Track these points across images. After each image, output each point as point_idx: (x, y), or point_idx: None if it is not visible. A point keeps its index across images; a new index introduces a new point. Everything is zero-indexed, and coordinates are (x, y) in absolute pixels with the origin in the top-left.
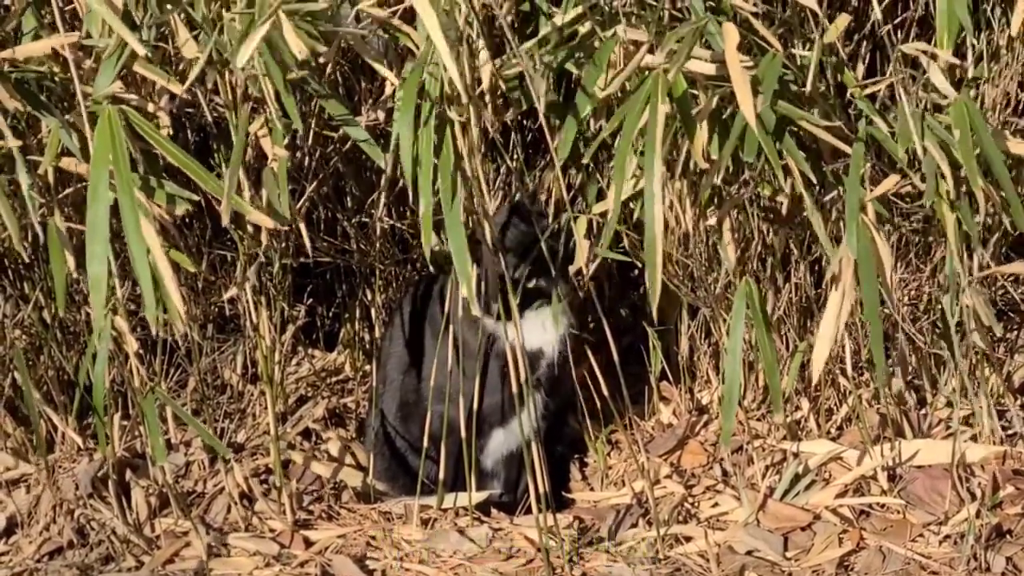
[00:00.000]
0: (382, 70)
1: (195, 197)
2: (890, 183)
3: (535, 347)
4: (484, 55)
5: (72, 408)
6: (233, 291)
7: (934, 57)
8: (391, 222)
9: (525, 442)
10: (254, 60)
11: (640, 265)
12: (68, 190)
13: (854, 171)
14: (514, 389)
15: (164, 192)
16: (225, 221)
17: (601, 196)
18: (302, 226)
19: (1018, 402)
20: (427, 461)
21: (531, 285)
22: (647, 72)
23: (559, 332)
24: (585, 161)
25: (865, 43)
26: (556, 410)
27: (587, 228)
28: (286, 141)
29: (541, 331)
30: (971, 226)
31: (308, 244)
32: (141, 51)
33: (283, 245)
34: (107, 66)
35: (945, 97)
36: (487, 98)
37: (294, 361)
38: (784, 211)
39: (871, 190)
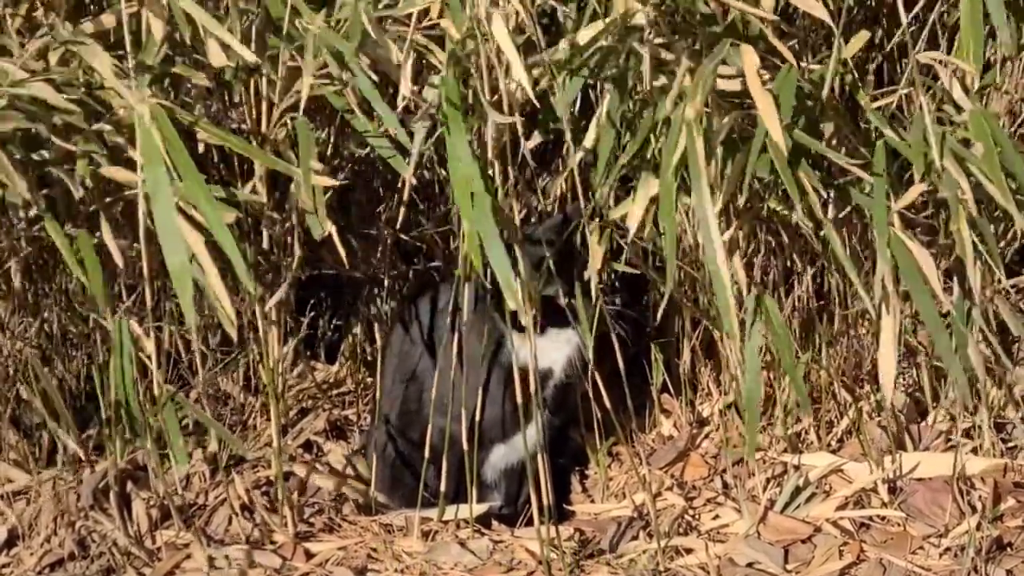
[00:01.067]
0: (406, 86)
1: (252, 198)
2: (914, 193)
3: (544, 367)
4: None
5: (65, 418)
6: (272, 300)
7: (949, 67)
8: (397, 234)
9: (529, 455)
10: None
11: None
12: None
13: (879, 190)
14: (519, 403)
15: (210, 197)
16: (322, 231)
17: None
18: (335, 237)
19: (1019, 414)
20: (428, 473)
21: (561, 302)
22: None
23: (568, 353)
24: (611, 184)
25: (873, 53)
26: (560, 425)
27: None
28: None
29: (552, 351)
30: (993, 247)
31: (342, 254)
32: (252, 57)
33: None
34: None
35: (960, 109)
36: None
37: (295, 373)
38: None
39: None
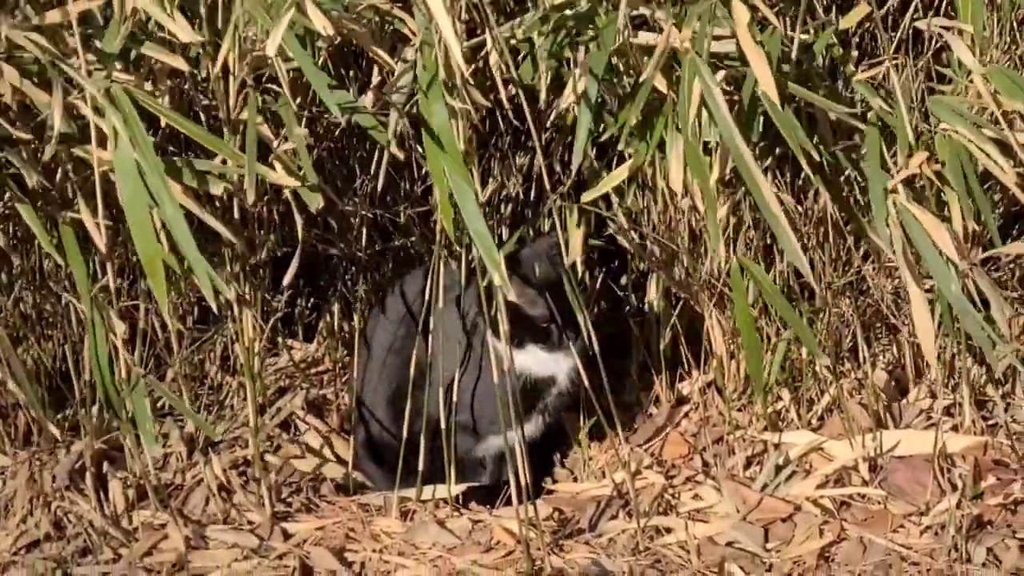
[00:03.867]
0: (383, 56)
1: (228, 170)
2: (917, 161)
3: (546, 374)
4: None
5: (41, 399)
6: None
7: (960, 33)
8: (374, 211)
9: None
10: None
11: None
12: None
13: (873, 152)
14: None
15: (189, 173)
16: (250, 199)
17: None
18: (297, 214)
19: (999, 392)
20: (413, 454)
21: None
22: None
23: (572, 362)
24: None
25: (873, 26)
26: (555, 421)
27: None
28: None
29: (552, 362)
30: (990, 219)
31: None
32: (192, 37)
33: (266, 235)
34: (107, 43)
35: (959, 71)
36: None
37: (273, 352)
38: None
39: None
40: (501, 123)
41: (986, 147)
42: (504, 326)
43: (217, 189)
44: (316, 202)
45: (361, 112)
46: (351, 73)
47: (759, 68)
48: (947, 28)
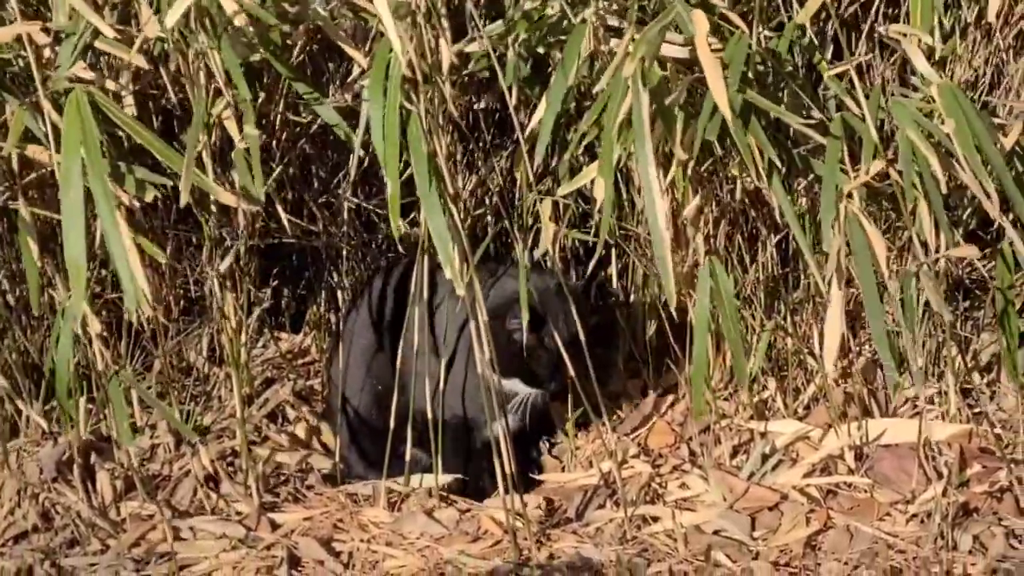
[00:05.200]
0: (351, 51)
1: (165, 181)
2: (873, 170)
3: (525, 393)
4: (444, 36)
5: (28, 390)
6: (210, 272)
7: (907, 37)
8: (357, 202)
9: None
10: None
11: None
12: (32, 175)
13: (831, 160)
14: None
15: (133, 178)
16: (184, 199)
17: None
18: (278, 205)
19: (984, 380)
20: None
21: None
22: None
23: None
24: (571, 155)
25: (833, 23)
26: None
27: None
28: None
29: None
30: (942, 218)
31: (285, 221)
32: (109, 32)
33: (250, 226)
34: (67, 46)
35: (924, 79)
36: (444, 78)
37: (260, 343)
38: (746, 188)
39: (856, 174)
40: (482, 119)
41: (929, 155)
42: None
43: (149, 197)
44: (259, 202)
45: (316, 104)
46: (333, 68)
47: (713, 80)
48: (904, 34)
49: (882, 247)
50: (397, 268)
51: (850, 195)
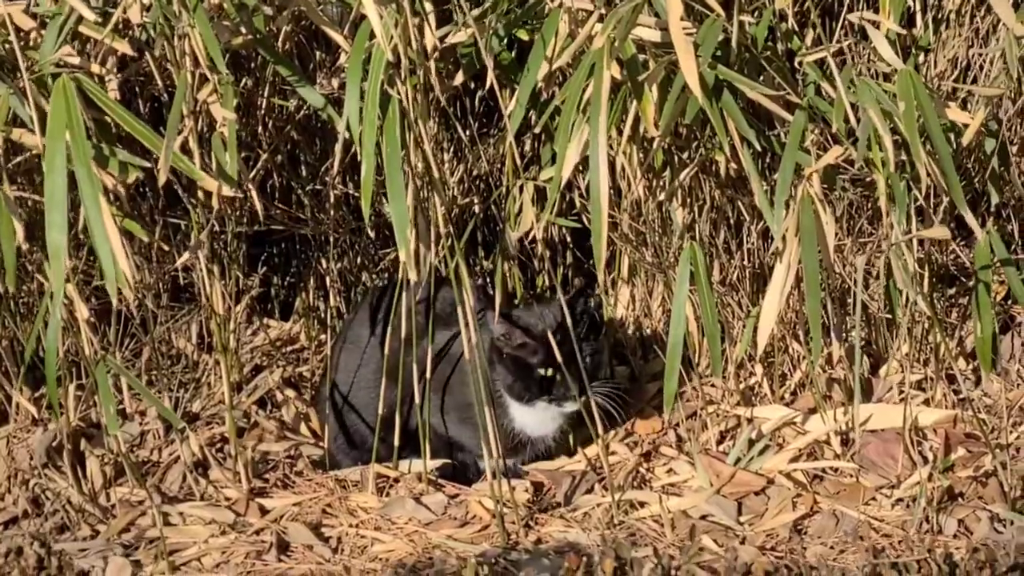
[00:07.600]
0: (335, 36)
1: (146, 164)
2: (832, 155)
3: (538, 434)
4: (428, 19)
5: (21, 377)
6: (186, 257)
7: (877, 26)
8: (345, 190)
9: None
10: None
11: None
12: (18, 158)
13: (793, 137)
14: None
15: (117, 161)
16: (161, 180)
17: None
18: (252, 191)
19: (969, 367)
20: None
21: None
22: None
23: (561, 424)
24: (537, 130)
25: (815, 10)
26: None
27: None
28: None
29: (549, 421)
30: (900, 197)
31: (260, 209)
32: (89, 15)
33: (237, 212)
34: (52, 30)
35: (891, 66)
36: (431, 62)
37: (249, 330)
38: (730, 174)
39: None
40: (469, 104)
41: (884, 135)
42: (507, 380)
43: (131, 178)
44: (231, 187)
45: (300, 87)
46: (319, 56)
47: (686, 62)
48: (872, 22)
49: (831, 232)
50: (418, 290)
51: (810, 178)
